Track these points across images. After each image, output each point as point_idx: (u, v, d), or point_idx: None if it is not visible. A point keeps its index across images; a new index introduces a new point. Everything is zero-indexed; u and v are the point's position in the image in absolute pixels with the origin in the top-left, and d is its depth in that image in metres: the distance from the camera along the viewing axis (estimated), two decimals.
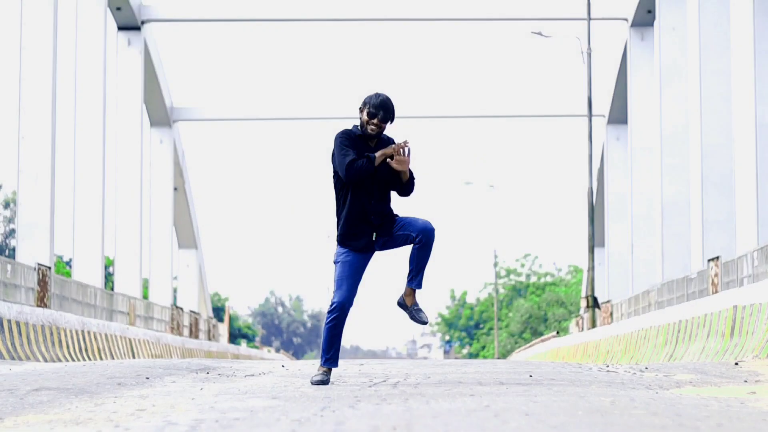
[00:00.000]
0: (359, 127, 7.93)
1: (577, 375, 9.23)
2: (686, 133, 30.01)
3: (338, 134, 7.89)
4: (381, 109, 7.84)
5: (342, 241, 7.95)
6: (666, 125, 32.08)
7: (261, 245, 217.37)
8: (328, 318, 7.89)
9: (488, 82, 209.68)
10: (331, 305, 7.90)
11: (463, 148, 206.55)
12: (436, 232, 7.94)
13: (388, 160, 7.85)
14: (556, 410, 5.37)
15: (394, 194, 8.07)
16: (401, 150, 7.83)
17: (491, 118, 47.32)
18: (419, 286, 8.04)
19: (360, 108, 7.92)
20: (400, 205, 8.14)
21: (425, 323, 8.19)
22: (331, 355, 7.94)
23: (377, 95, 7.87)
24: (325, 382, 7.86)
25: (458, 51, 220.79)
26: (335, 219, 8.02)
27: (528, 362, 14.86)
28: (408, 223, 7.94)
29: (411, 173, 7.95)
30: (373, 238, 7.91)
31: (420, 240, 7.90)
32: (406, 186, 7.97)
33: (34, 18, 26.43)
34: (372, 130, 7.85)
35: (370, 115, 7.84)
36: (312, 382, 7.91)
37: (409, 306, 8.13)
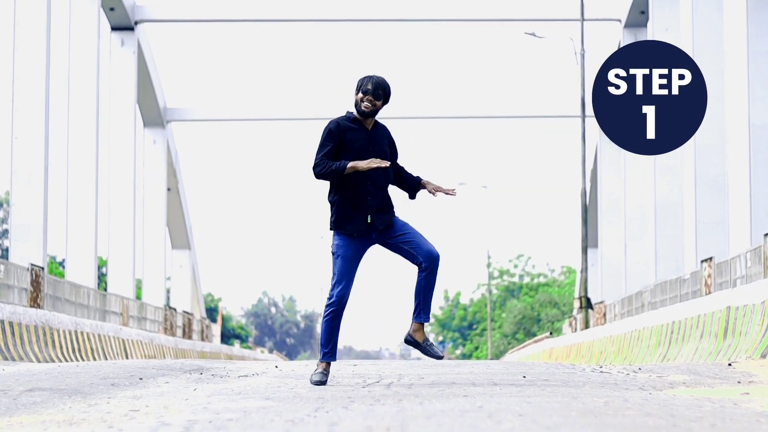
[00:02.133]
0: (353, 112, 7.90)
1: (570, 376, 9.24)
2: None
3: (327, 125, 7.85)
4: (374, 85, 7.82)
5: (337, 224, 7.84)
6: None
7: (254, 246, 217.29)
8: (326, 311, 7.80)
9: (482, 83, 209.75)
10: (329, 298, 7.82)
11: (456, 148, 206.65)
12: (440, 259, 7.88)
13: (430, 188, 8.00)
14: (550, 411, 5.37)
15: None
16: (445, 191, 7.98)
17: (485, 118, 47.33)
18: (427, 319, 7.95)
19: (355, 89, 7.89)
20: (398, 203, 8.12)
21: (440, 358, 7.99)
22: (329, 349, 7.87)
23: (372, 75, 7.89)
24: (323, 382, 7.82)
25: (452, 52, 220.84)
26: (329, 206, 7.92)
27: (521, 363, 14.86)
28: (415, 242, 7.87)
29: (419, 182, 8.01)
30: (368, 221, 7.82)
31: (426, 268, 7.86)
32: (412, 193, 8.06)
33: (28, 18, 26.39)
34: (366, 107, 7.81)
35: (364, 92, 7.81)
36: (312, 382, 7.85)
37: (420, 342, 7.99)
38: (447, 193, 8.00)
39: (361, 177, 7.79)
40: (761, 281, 14.44)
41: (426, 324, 8.03)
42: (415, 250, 7.85)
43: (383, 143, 7.92)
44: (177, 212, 45.83)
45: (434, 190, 8.02)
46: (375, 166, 7.70)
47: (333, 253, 7.85)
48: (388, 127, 8.06)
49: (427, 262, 7.84)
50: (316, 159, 7.77)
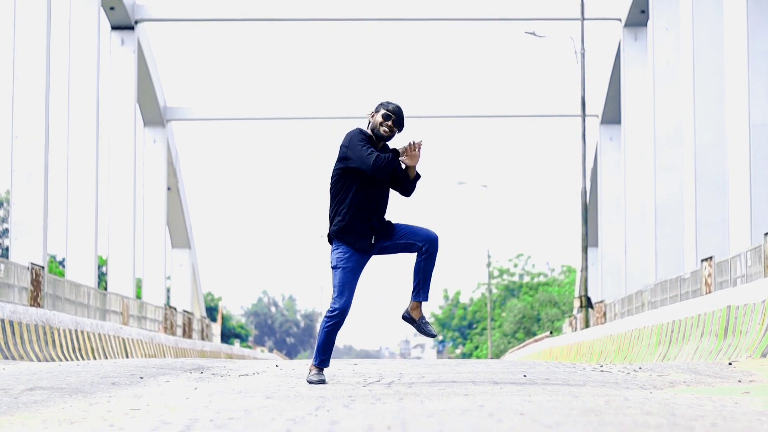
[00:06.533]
0: (367, 131, 7.96)
1: (571, 375, 9.24)
2: (680, 133, 30.04)
3: (354, 131, 7.89)
4: (396, 114, 7.90)
5: (340, 235, 7.87)
6: (659, 125, 32.11)
7: (254, 245, 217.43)
8: (327, 322, 7.91)
9: (482, 82, 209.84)
10: (331, 310, 7.90)
11: (456, 147, 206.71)
12: (440, 241, 7.99)
13: (400, 157, 7.92)
14: (551, 410, 5.37)
15: (392, 196, 8.09)
16: (415, 146, 7.88)
17: (485, 117, 47.33)
18: (426, 298, 8.10)
19: (372, 112, 7.96)
20: (395, 205, 8.14)
21: (434, 336, 8.21)
22: (326, 357, 8.04)
23: (390, 102, 7.95)
24: (323, 381, 7.95)
25: (452, 51, 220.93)
26: (330, 216, 7.95)
27: (522, 362, 14.87)
28: (411, 232, 7.98)
29: (417, 173, 7.99)
30: (372, 241, 7.91)
31: (426, 250, 7.97)
32: (411, 184, 8.02)
33: (28, 17, 26.39)
34: (384, 132, 7.88)
35: (385, 117, 7.89)
36: (312, 382, 7.92)
37: (416, 320, 8.15)
38: (416, 145, 7.95)
39: (368, 192, 7.84)
40: (761, 280, 14.45)
41: (424, 304, 8.15)
42: (412, 238, 7.96)
43: None
44: (177, 211, 45.85)
45: (406, 153, 7.95)
46: (413, 146, 7.86)
47: (333, 267, 7.93)
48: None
49: (427, 245, 7.96)
50: (366, 153, 7.74)
